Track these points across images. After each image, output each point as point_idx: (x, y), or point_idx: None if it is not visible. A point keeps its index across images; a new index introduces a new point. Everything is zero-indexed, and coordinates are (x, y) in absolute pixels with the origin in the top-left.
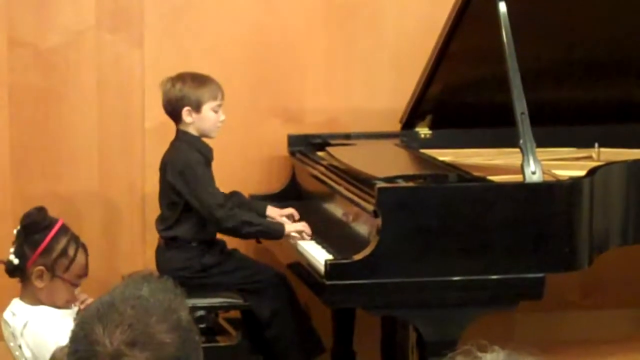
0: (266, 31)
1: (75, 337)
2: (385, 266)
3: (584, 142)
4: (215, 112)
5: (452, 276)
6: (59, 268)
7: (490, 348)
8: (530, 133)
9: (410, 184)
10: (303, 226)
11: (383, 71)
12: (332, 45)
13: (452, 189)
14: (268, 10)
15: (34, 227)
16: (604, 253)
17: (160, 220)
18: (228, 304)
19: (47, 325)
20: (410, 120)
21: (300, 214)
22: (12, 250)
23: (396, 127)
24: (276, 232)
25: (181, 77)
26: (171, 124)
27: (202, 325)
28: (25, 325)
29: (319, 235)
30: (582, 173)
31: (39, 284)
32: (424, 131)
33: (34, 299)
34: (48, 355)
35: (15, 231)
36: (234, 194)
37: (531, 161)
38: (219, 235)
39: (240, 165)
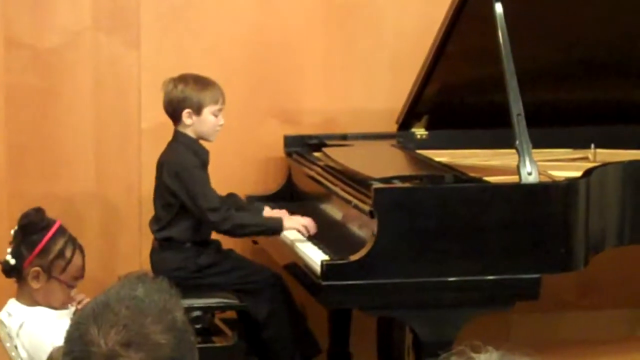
0: (264, 32)
1: (70, 338)
2: (381, 267)
3: (580, 143)
4: (215, 116)
5: (448, 277)
6: (55, 269)
7: (484, 349)
8: (527, 134)
9: (407, 184)
10: (302, 223)
11: (381, 72)
12: (330, 45)
13: (449, 189)
14: (266, 11)
15: (32, 227)
16: (600, 253)
17: (155, 220)
18: (224, 304)
19: (43, 326)
20: (407, 121)
21: (296, 214)
22: (9, 250)
23: (393, 128)
24: (273, 229)
25: (184, 79)
26: (168, 125)
27: (198, 326)
28: (21, 326)
29: (316, 236)
30: (578, 174)
31: (35, 284)
32: (420, 132)
33: (30, 300)
34: (44, 356)
35: (12, 231)
36: (231, 196)
37: (527, 162)
38: (214, 235)
39: (237, 165)
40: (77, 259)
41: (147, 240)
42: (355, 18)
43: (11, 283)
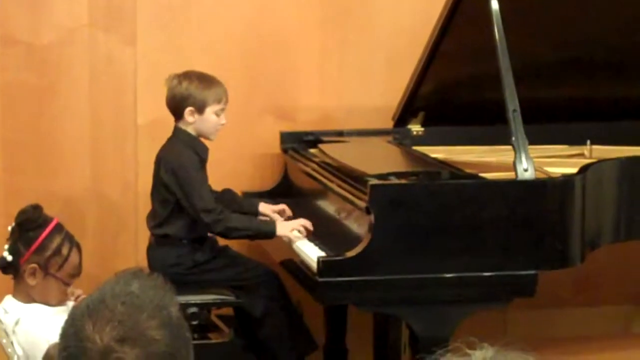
0: (260, 29)
1: (65, 334)
2: (377, 263)
3: (576, 140)
4: (218, 115)
5: (444, 273)
6: (52, 266)
7: (480, 345)
8: (523, 130)
9: (403, 181)
10: (294, 227)
11: (377, 68)
12: (326, 42)
13: (445, 186)
14: (262, 8)
15: (29, 224)
16: (596, 250)
17: (152, 216)
18: (220, 300)
19: (40, 324)
20: (403, 117)
21: (292, 211)
22: (6, 247)
23: (389, 124)
24: (266, 234)
25: (188, 76)
26: (165, 122)
27: (194, 322)
28: (17, 323)
29: (312, 232)
30: (574, 170)
31: (31, 281)
32: (416, 128)
33: (27, 297)
34: (39, 354)
35: (9, 228)
36: (226, 192)
37: (523, 158)
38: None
39: (233, 162)
40: (74, 257)
41: (144, 236)
42: (350, 15)
43: (7, 279)
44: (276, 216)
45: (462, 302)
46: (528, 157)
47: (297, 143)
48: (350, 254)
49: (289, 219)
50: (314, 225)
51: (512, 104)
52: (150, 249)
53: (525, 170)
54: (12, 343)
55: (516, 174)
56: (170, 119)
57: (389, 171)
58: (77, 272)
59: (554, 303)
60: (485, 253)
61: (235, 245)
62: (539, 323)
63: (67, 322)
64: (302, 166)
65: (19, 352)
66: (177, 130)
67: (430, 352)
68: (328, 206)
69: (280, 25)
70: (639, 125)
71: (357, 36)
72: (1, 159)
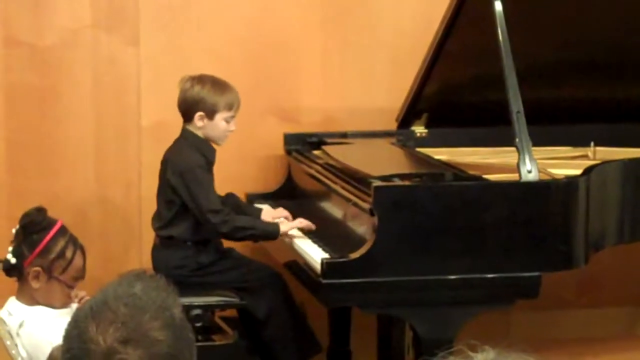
0: (263, 30)
1: (68, 336)
2: (381, 265)
3: (580, 141)
4: (227, 122)
5: (448, 275)
6: (56, 269)
7: (481, 348)
8: (526, 132)
9: (407, 182)
10: (299, 222)
11: (379, 70)
12: (329, 44)
13: (448, 187)
14: (264, 9)
15: (33, 227)
16: (600, 251)
17: (157, 217)
18: (224, 302)
19: (43, 326)
20: (407, 119)
21: (296, 212)
22: (10, 249)
23: (393, 125)
24: (270, 235)
25: (202, 80)
26: (168, 123)
27: (198, 324)
28: (21, 325)
29: (315, 234)
30: (578, 172)
31: (35, 284)
32: (420, 130)
33: (31, 299)
34: (43, 356)
35: (14, 230)
36: (229, 196)
37: (527, 160)
38: None
39: (237, 163)
40: (77, 260)
41: (147, 238)
42: (353, 16)
43: (12, 281)
44: (282, 211)
45: (465, 304)
46: (532, 159)
47: (301, 145)
48: (354, 255)
49: None
50: (317, 226)
51: (516, 105)
52: (154, 250)
53: (529, 171)
54: (16, 345)
55: (520, 175)
56: (174, 120)
57: (393, 173)
58: (80, 275)
59: (558, 305)
60: (488, 254)
61: (239, 247)
62: (543, 325)
63: (70, 324)
64: (306, 168)
65: (23, 354)
66: (185, 132)
67: (434, 354)
68: (332, 208)
69: (282, 27)
70: None
71: (360, 37)
72: (4, 160)
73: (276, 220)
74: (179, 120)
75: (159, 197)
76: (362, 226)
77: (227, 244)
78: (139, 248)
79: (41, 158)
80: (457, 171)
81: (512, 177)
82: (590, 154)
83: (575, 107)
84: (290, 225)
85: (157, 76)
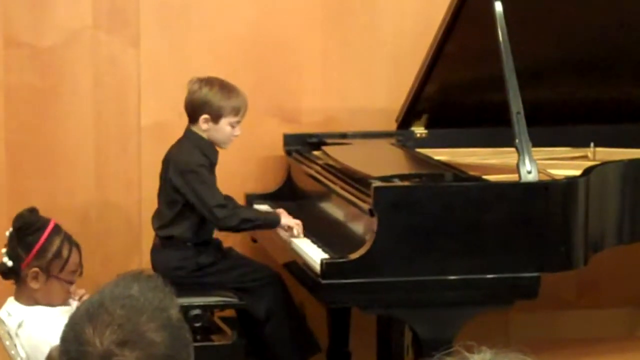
0: (263, 31)
1: (65, 338)
2: (381, 265)
3: (580, 142)
4: (232, 127)
5: (447, 275)
6: (53, 269)
7: (478, 349)
8: (526, 132)
9: (406, 183)
10: (296, 224)
11: (380, 71)
12: (329, 44)
13: (448, 188)
14: (265, 10)
15: (27, 228)
16: (600, 252)
17: (157, 217)
18: (223, 302)
19: (42, 326)
20: (406, 119)
21: (296, 213)
22: (4, 252)
23: (392, 126)
24: (273, 223)
25: (210, 82)
26: (168, 123)
27: (197, 324)
28: (20, 326)
29: (315, 234)
30: (577, 172)
31: (34, 285)
32: (419, 130)
33: (30, 300)
34: (42, 357)
35: (7, 233)
36: (226, 198)
37: (527, 160)
38: (214, 234)
39: (237, 164)
40: (74, 257)
41: (147, 238)
42: (353, 16)
43: (9, 282)
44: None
45: (465, 304)
46: (531, 160)
47: (301, 145)
48: (354, 256)
49: None
50: (317, 227)
51: (516, 106)
52: (154, 250)
53: (529, 172)
54: (15, 345)
55: (520, 176)
56: (174, 120)
57: (393, 173)
58: (78, 269)
59: (557, 305)
60: (488, 255)
61: (238, 247)
62: (542, 325)
63: (67, 325)
64: (306, 168)
65: (22, 354)
66: (188, 133)
67: (432, 355)
68: (332, 208)
69: (283, 27)
70: None
71: (360, 37)
72: (4, 160)
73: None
74: (179, 120)
75: (160, 197)
76: (362, 226)
77: (226, 243)
78: (138, 248)
79: (41, 158)
80: (456, 172)
81: (511, 177)
82: (589, 155)
83: (575, 107)
84: (290, 220)
85: (157, 77)
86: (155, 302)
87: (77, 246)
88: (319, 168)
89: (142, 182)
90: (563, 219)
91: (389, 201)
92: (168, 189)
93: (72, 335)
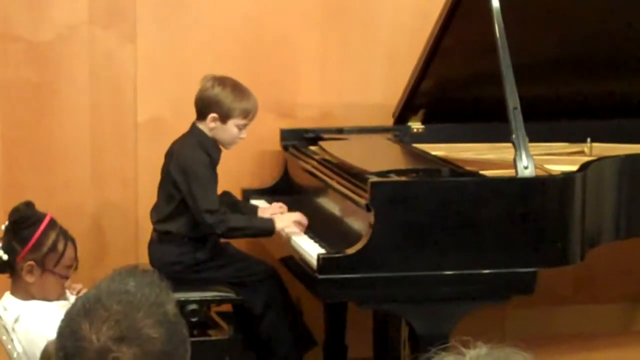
0: (260, 26)
1: (62, 333)
2: (377, 260)
3: (576, 137)
4: (239, 129)
5: (444, 270)
6: (49, 263)
7: (474, 344)
8: (523, 128)
9: (403, 178)
10: (294, 220)
11: (377, 66)
12: (326, 39)
13: (445, 183)
14: (262, 5)
15: (23, 222)
16: (597, 247)
17: (156, 210)
18: (220, 297)
19: (39, 321)
20: (403, 114)
21: (292, 208)
22: (0, 245)
23: (389, 121)
24: (265, 232)
25: (223, 82)
26: (164, 119)
27: (194, 319)
28: (16, 320)
29: (312, 230)
30: (574, 168)
31: (29, 278)
32: (416, 126)
33: (26, 294)
34: (38, 351)
35: (3, 227)
36: (225, 194)
37: (524, 156)
38: None
39: (234, 159)
40: (69, 252)
41: (144, 234)
42: (350, 12)
43: (5, 277)
44: (279, 205)
45: (461, 300)
46: (528, 155)
47: (298, 140)
48: (350, 251)
49: None
50: (314, 222)
51: (513, 101)
52: (151, 245)
53: (526, 167)
54: (12, 340)
55: (516, 171)
56: (170, 116)
57: (389, 168)
58: (73, 264)
59: (554, 301)
60: (484, 250)
61: (235, 242)
62: (539, 321)
63: (63, 321)
64: (303, 163)
65: (19, 349)
66: (194, 129)
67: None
68: (328, 203)
69: (279, 23)
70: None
71: (357, 33)
72: (1, 156)
73: (272, 216)
74: (175, 116)
75: (160, 190)
76: (358, 222)
77: (223, 239)
78: (135, 243)
79: (37, 154)
80: (453, 167)
81: (508, 173)
82: (586, 150)
83: (572, 103)
84: (286, 222)
85: (153, 73)
86: (151, 297)
87: (73, 241)
88: (315, 163)
89: (139, 178)
90: (560, 215)
91: (386, 196)
92: (168, 183)
93: (69, 331)
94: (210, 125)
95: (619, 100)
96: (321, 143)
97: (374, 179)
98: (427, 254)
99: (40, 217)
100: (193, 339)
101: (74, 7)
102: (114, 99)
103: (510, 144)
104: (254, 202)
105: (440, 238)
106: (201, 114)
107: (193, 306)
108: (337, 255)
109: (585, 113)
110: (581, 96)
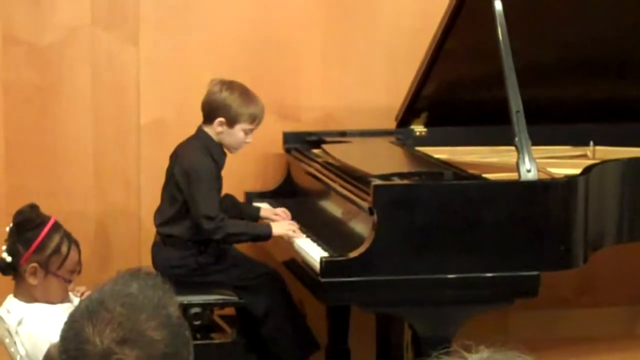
0: (263, 28)
1: (65, 336)
2: (380, 264)
3: (579, 140)
4: (246, 133)
5: (447, 274)
6: (52, 265)
7: (476, 349)
8: (526, 131)
9: (406, 181)
10: (290, 225)
11: (380, 69)
12: (328, 42)
13: (448, 186)
14: (265, 7)
15: (27, 224)
16: (600, 251)
17: (159, 213)
18: (223, 301)
19: (42, 324)
20: (406, 117)
21: (295, 211)
22: (4, 248)
23: (392, 124)
24: (262, 237)
25: (231, 86)
26: (167, 121)
27: (197, 322)
28: (19, 323)
29: (314, 233)
30: (577, 171)
31: (32, 281)
32: (419, 129)
33: (29, 296)
34: (41, 354)
35: (7, 229)
36: (226, 197)
37: (526, 159)
38: None
39: (236, 162)
40: (73, 255)
41: (146, 236)
42: (353, 15)
43: (6, 279)
44: (276, 217)
45: (464, 303)
46: (531, 158)
47: (300, 143)
48: (353, 254)
49: None
50: (317, 225)
51: (516, 104)
52: (154, 248)
53: (528, 171)
54: (15, 343)
55: (519, 174)
56: (173, 118)
57: (392, 172)
58: (77, 268)
59: (557, 304)
60: (487, 254)
61: (238, 245)
62: (542, 324)
63: (66, 324)
64: (305, 166)
65: (22, 352)
66: (200, 132)
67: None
68: (331, 206)
69: (282, 25)
70: None
71: (359, 36)
72: (3, 158)
73: (270, 221)
74: (178, 119)
75: (164, 192)
76: (361, 225)
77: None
78: (137, 246)
79: (40, 156)
80: (456, 170)
81: (511, 176)
82: (589, 154)
83: (575, 106)
84: (283, 229)
85: (156, 75)
86: (154, 300)
87: (77, 244)
88: (318, 166)
89: (141, 180)
90: (563, 218)
91: (389, 199)
92: (171, 186)
93: (72, 334)
94: (217, 129)
95: (622, 104)
96: (324, 146)
97: (377, 182)
98: (430, 257)
99: (45, 219)
100: (196, 343)
101: (77, 9)
102: (117, 101)
103: (513, 147)
104: (256, 205)
105: (443, 241)
106: (208, 118)
107: (196, 309)
108: (340, 258)
109: (588, 116)
110: (584, 99)
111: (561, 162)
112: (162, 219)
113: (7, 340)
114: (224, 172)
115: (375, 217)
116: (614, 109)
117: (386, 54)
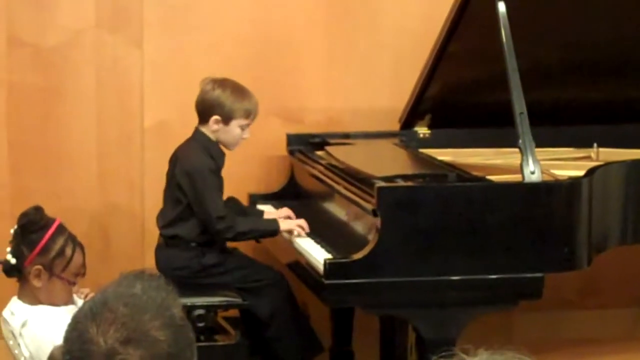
0: (267, 30)
1: (69, 337)
2: (384, 265)
3: (583, 142)
4: (242, 129)
5: (451, 276)
6: (56, 268)
7: (474, 352)
8: (530, 133)
9: (410, 183)
10: (297, 224)
11: (383, 70)
12: (332, 44)
13: (452, 188)
14: (268, 10)
15: (31, 226)
16: (603, 253)
17: (162, 216)
18: (227, 302)
19: (46, 326)
20: (410, 119)
21: (299, 213)
22: (9, 249)
23: (395, 126)
24: (271, 232)
25: (223, 84)
26: (170, 123)
27: (201, 324)
28: (23, 325)
29: (318, 235)
30: (580, 173)
31: (36, 283)
32: (423, 131)
33: (33, 299)
34: (45, 357)
35: (12, 231)
36: (230, 200)
37: (530, 161)
38: None
39: (240, 164)
40: (77, 257)
41: (150, 238)
42: (356, 16)
43: (11, 282)
44: (285, 210)
45: (468, 305)
46: (535, 160)
47: (304, 145)
48: (357, 256)
49: None
50: (320, 227)
51: (519, 106)
52: (158, 250)
53: (532, 172)
54: (19, 345)
55: (523, 176)
56: (177, 121)
57: (396, 174)
58: (81, 271)
59: (561, 306)
60: (491, 255)
61: (242, 247)
62: (546, 326)
63: (70, 325)
64: (309, 168)
65: (26, 353)
66: (197, 133)
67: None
68: (335, 208)
69: (286, 28)
70: None
71: (363, 38)
72: (8, 160)
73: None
74: (181, 121)
75: (166, 195)
76: (365, 227)
77: (230, 244)
78: (141, 248)
79: (44, 158)
80: (460, 172)
81: (515, 178)
82: (593, 155)
83: (579, 108)
84: (290, 225)
85: (160, 77)
86: (158, 300)
87: (81, 247)
88: (322, 168)
89: (145, 183)
90: (566, 220)
91: (393, 201)
92: (173, 188)
93: (76, 335)
94: (213, 128)
95: (625, 106)
96: (327, 148)
97: (381, 184)
98: (434, 259)
99: (49, 221)
100: (200, 344)
101: (81, 12)
102: (121, 104)
103: (516, 149)
104: (260, 207)
105: (447, 243)
106: (203, 117)
107: (200, 311)
108: (343, 260)
109: (592, 118)
110: (588, 101)
111: (565, 164)
112: (166, 221)
113: (11, 342)
114: (227, 175)
115: (379, 219)
116: (618, 110)
117: (390, 56)
